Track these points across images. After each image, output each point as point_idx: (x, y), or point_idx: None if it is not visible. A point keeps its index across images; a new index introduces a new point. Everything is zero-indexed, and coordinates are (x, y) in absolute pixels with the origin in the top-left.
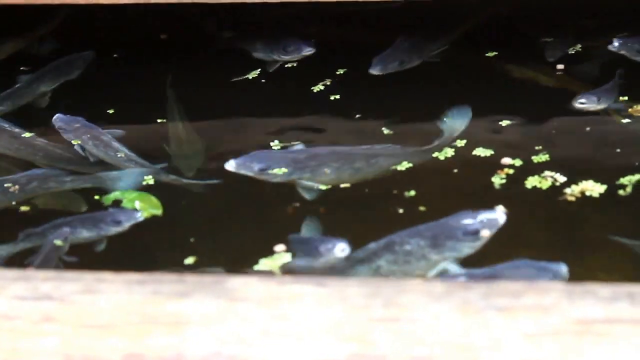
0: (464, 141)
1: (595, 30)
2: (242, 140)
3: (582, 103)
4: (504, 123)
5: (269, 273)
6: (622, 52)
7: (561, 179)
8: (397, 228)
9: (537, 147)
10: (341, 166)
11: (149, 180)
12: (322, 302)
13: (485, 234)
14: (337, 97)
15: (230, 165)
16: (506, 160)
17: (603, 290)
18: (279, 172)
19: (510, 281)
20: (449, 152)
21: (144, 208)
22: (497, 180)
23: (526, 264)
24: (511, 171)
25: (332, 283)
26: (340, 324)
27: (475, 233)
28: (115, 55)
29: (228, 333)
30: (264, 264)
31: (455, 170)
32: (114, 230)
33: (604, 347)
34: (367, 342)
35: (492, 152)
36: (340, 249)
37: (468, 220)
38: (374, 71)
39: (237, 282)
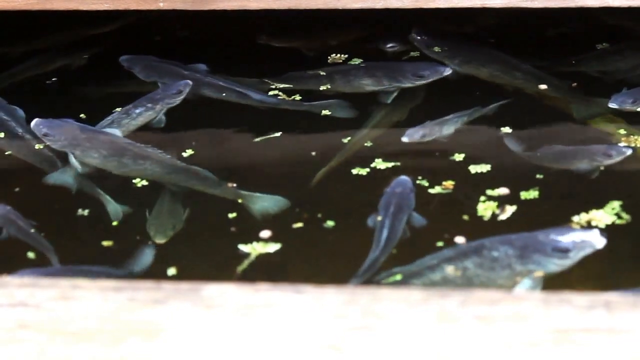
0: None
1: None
2: None
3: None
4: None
5: (246, 280)
6: (418, 44)
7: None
8: None
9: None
10: (109, 155)
11: None
12: (298, 310)
13: (576, 254)
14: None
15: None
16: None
17: (580, 299)
18: (57, 141)
19: (487, 290)
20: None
21: None
22: (440, 191)
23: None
24: (452, 183)
25: (309, 291)
26: (316, 332)
27: (564, 251)
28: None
29: (204, 341)
30: (250, 247)
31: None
32: None
33: (581, 356)
34: (343, 350)
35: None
36: None
37: (561, 237)
38: None
39: (214, 290)
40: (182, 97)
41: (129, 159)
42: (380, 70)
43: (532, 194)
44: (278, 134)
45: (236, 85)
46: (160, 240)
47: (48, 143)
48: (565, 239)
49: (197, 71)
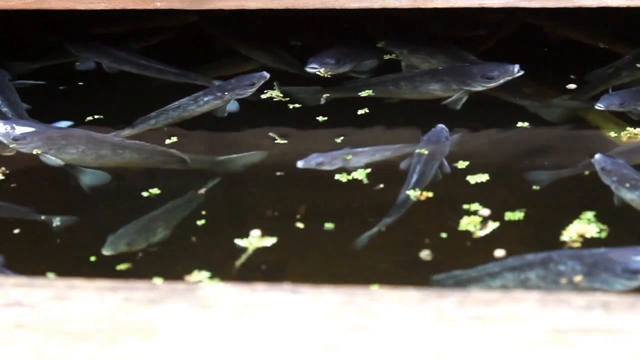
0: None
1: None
2: None
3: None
4: None
5: (243, 280)
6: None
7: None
8: None
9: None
10: (86, 150)
11: None
12: (295, 310)
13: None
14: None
15: None
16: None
17: (577, 299)
18: (30, 143)
19: (484, 290)
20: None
21: None
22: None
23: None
24: (430, 194)
25: (306, 291)
26: (313, 332)
27: (635, 272)
28: None
29: (200, 341)
30: (247, 242)
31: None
32: None
33: (578, 357)
34: (340, 350)
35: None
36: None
37: (633, 257)
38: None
39: (210, 290)
40: (254, 89)
41: (107, 150)
42: (447, 75)
43: (517, 215)
44: (285, 141)
45: (155, 63)
46: (107, 252)
47: (19, 147)
48: (636, 259)
49: (123, 50)
